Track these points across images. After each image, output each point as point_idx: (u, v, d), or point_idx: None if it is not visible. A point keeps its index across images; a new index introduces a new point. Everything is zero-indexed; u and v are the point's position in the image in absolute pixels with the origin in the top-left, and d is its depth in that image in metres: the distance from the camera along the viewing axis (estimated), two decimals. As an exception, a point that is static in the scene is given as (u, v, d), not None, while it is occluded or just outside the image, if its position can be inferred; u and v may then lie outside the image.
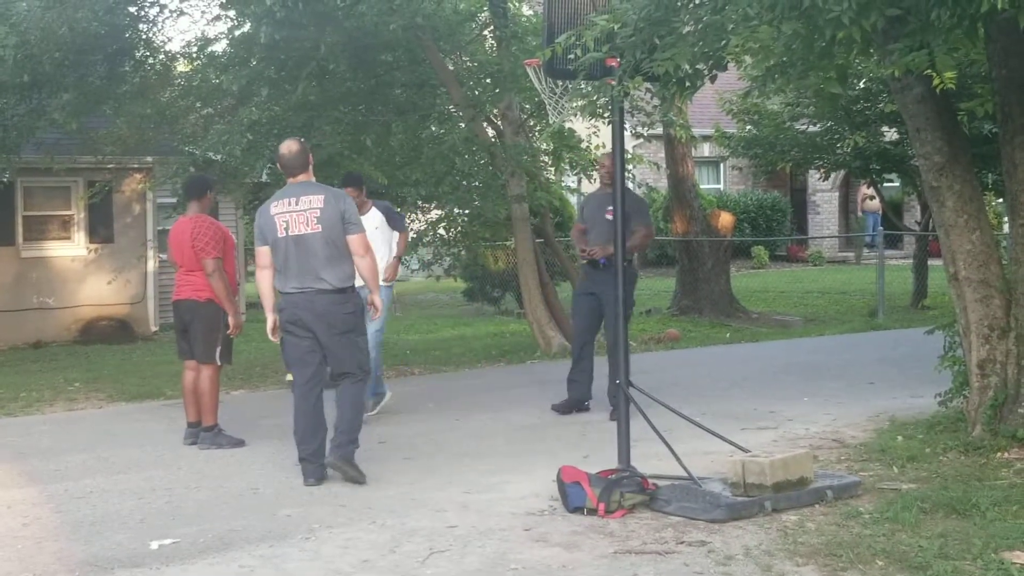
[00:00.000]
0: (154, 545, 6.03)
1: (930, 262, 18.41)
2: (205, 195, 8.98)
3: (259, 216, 7.56)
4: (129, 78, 14.26)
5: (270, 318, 7.49)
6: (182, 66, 15.89)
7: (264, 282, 7.49)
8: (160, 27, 14.62)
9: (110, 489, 7.40)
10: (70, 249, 18.32)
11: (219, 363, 8.75)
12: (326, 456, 7.38)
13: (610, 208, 8.79)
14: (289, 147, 7.57)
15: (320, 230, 7.27)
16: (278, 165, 7.77)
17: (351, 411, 7.43)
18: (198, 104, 14.99)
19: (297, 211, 7.31)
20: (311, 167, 7.58)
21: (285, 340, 7.49)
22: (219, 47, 14.15)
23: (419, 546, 5.90)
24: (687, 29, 6.69)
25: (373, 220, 9.40)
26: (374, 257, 7.62)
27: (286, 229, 7.31)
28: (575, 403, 9.63)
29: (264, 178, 14.74)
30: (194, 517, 6.61)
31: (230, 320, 8.66)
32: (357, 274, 7.47)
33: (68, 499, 7.17)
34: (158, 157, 17.01)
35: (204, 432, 8.70)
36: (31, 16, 11.99)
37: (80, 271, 18.31)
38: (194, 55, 14.50)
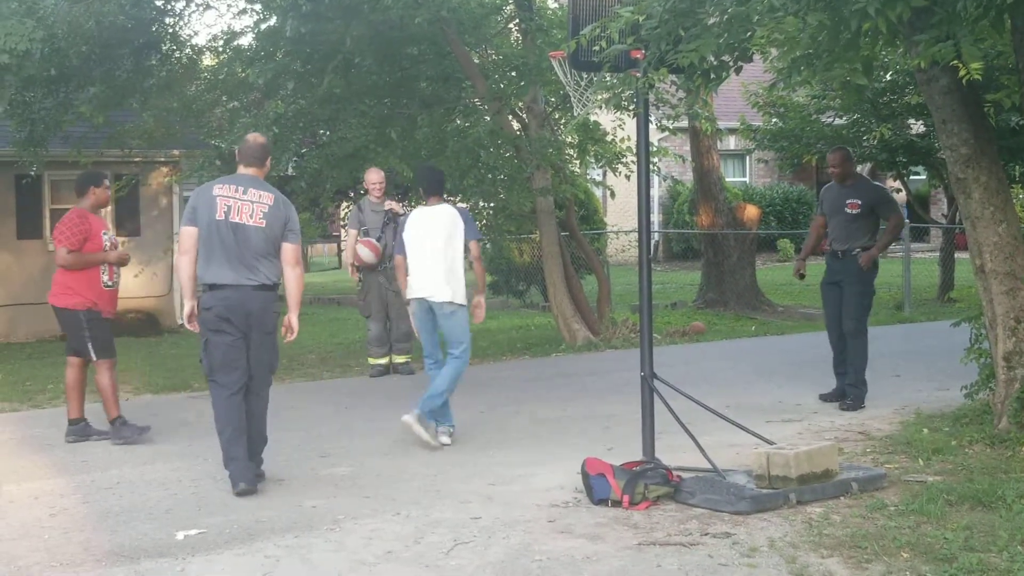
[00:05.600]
0: (180, 535, 6.07)
1: (957, 255, 18.32)
2: (84, 192, 8.93)
3: (197, 195, 7.22)
4: (156, 72, 14.34)
5: (188, 304, 7.13)
6: (208, 60, 16.00)
7: (188, 268, 7.08)
8: (186, 21, 14.76)
9: (136, 480, 7.45)
10: (97, 242, 18.39)
11: (95, 358, 8.73)
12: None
13: (850, 201, 9.46)
14: (256, 138, 7.45)
15: (263, 225, 7.03)
16: (237, 152, 7.49)
17: (261, 426, 7.26)
18: (224, 97, 15.07)
19: (243, 200, 7.05)
20: (266, 168, 7.35)
21: (213, 341, 7.05)
22: (245, 41, 14.24)
23: (443, 537, 5.91)
24: (712, 20, 6.67)
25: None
26: (303, 271, 7.35)
27: (226, 213, 7.01)
28: (843, 393, 9.53)
29: (290, 171, 14.80)
30: (220, 508, 6.65)
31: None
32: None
33: (95, 490, 7.22)
34: (184, 151, 17.10)
35: (110, 426, 8.77)
36: (58, 10, 12.08)
37: (107, 264, 18.39)
38: (220, 49, 14.59)
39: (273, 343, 7.23)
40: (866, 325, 9.57)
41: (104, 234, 8.90)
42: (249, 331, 7.07)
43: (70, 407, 8.94)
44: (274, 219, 7.10)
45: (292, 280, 7.19)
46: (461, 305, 8.25)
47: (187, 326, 7.23)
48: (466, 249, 8.40)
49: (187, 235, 7.11)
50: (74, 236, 8.70)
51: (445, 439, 8.35)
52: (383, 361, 12.11)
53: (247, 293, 7.03)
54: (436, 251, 8.18)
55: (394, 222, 11.80)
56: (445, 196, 13.89)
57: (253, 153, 7.31)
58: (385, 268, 11.78)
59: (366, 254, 11.72)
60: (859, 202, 9.46)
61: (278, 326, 7.27)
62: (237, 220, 7.03)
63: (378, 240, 11.78)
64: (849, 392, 9.40)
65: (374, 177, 12.01)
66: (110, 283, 8.87)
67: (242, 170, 7.31)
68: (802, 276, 10.08)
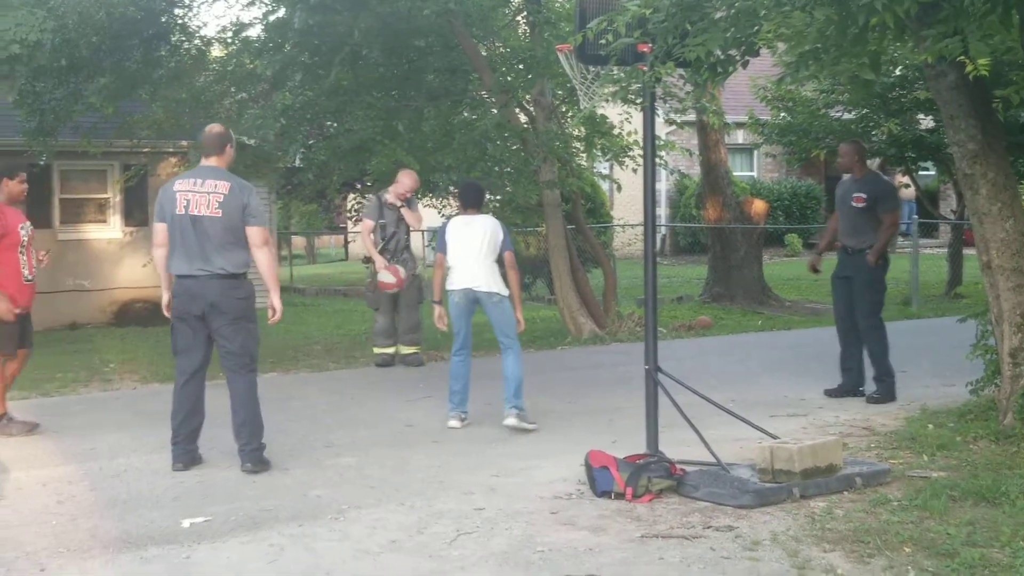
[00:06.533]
0: (186, 523, 6.11)
1: (966, 251, 18.30)
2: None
3: (162, 192, 7.51)
4: (165, 63, 14.36)
5: (166, 296, 7.53)
6: (217, 51, 15.98)
7: (161, 260, 7.47)
8: (195, 12, 14.84)
9: (143, 468, 7.50)
10: (106, 232, 18.50)
11: None
12: (242, 464, 7.34)
13: (856, 195, 9.56)
14: (211, 128, 7.66)
15: (220, 215, 7.23)
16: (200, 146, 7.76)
17: (252, 408, 7.40)
18: (232, 89, 15.08)
19: (201, 192, 7.26)
20: (227, 156, 7.52)
21: (175, 327, 7.45)
22: (254, 32, 14.25)
23: (447, 528, 5.94)
24: (719, 15, 6.68)
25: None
26: (272, 250, 7.54)
27: (186, 207, 7.25)
28: (850, 389, 9.61)
29: (297, 162, 14.81)
30: (226, 496, 6.69)
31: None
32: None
33: (102, 477, 7.27)
34: (193, 141, 17.07)
35: None
36: (69, 1, 12.10)
37: (115, 254, 18.48)
38: (229, 40, 14.59)
39: (244, 329, 7.37)
40: (880, 318, 9.62)
41: (21, 228, 8.77)
42: (210, 319, 7.32)
43: None
44: (230, 207, 7.27)
45: (262, 262, 7.38)
46: (505, 296, 8.71)
47: (166, 314, 7.60)
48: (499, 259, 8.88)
49: (158, 230, 7.47)
50: None
51: (455, 423, 8.66)
52: (389, 350, 12.15)
53: (203, 282, 7.27)
54: (480, 250, 8.68)
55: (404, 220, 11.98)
56: (452, 190, 13.92)
57: (210, 143, 7.53)
58: (395, 260, 11.89)
59: (388, 279, 11.75)
60: (864, 196, 9.53)
61: (249, 312, 7.42)
62: (196, 212, 7.26)
63: (392, 236, 11.87)
64: (877, 386, 9.43)
65: (410, 183, 12.03)
66: (30, 277, 8.79)
67: (204, 161, 7.53)
68: (817, 271, 10.13)
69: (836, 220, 10.01)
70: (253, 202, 7.36)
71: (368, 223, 12.09)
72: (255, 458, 7.33)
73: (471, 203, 8.96)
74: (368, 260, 12.28)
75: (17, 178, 8.84)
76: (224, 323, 7.31)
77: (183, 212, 7.27)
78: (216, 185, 7.30)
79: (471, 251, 8.67)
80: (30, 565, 5.49)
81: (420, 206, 13.43)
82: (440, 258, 8.91)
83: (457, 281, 8.72)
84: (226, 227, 7.25)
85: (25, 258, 8.77)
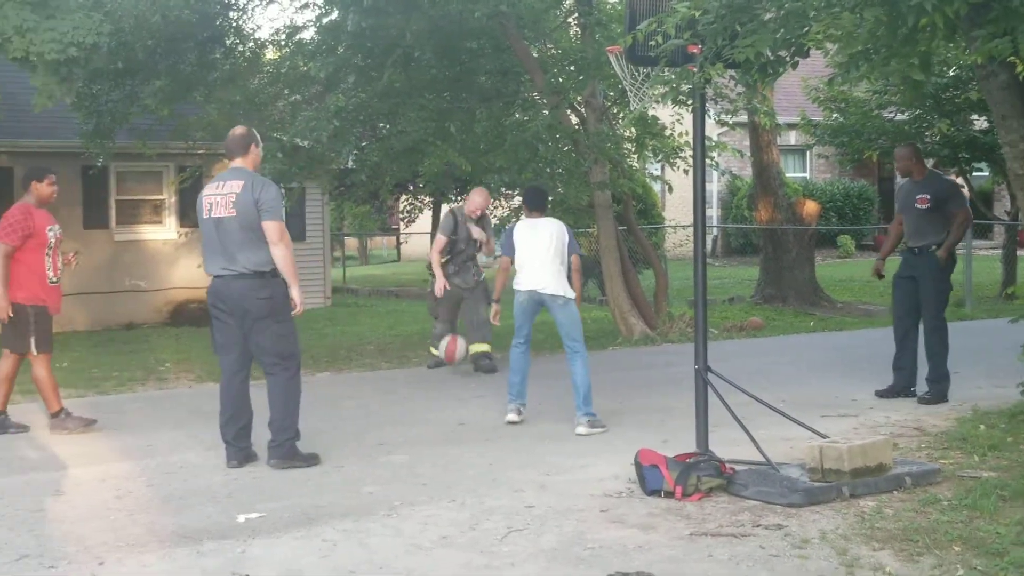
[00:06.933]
0: (241, 519, 6.21)
1: (1020, 252, 18.14)
2: (26, 186, 8.88)
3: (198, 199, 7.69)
4: (219, 65, 14.55)
5: None
6: (271, 53, 16.17)
7: None
8: (250, 15, 14.95)
9: (199, 465, 7.62)
10: (161, 233, 18.76)
11: (35, 352, 8.75)
12: (267, 460, 7.47)
13: (920, 196, 9.52)
14: (234, 130, 7.73)
15: (235, 214, 7.30)
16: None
17: (282, 406, 7.49)
18: (286, 91, 15.25)
19: (221, 194, 7.38)
20: (252, 155, 7.58)
21: (212, 324, 7.63)
22: (307, 35, 14.40)
23: (497, 524, 6.01)
24: (768, 16, 6.70)
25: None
26: (289, 246, 7.46)
27: (209, 211, 7.41)
28: (901, 389, 9.58)
29: (350, 164, 14.93)
30: (280, 493, 6.79)
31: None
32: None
33: (159, 474, 7.40)
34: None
35: (52, 419, 8.87)
36: (125, 4, 12.30)
37: (171, 254, 18.73)
38: (283, 42, 14.76)
39: (268, 329, 7.42)
40: (944, 319, 9.59)
41: (49, 230, 8.82)
42: (240, 318, 7.44)
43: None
44: (244, 205, 7.32)
45: (278, 258, 7.39)
46: (571, 298, 8.82)
47: None
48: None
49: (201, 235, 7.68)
50: (13, 233, 8.64)
51: (513, 416, 8.81)
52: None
53: (228, 282, 7.41)
54: (547, 253, 8.81)
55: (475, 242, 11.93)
56: (503, 191, 13.88)
57: (232, 144, 7.64)
58: (460, 270, 11.77)
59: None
60: (928, 196, 9.47)
61: (276, 312, 7.42)
62: (217, 215, 7.39)
63: (461, 251, 11.81)
64: (930, 387, 9.38)
65: (481, 201, 11.87)
66: (55, 279, 8.87)
67: (231, 164, 7.65)
68: (881, 276, 10.06)
69: (899, 224, 9.88)
70: (265, 197, 7.36)
71: (441, 239, 11.83)
72: (278, 454, 7.44)
73: (535, 206, 9.11)
74: (431, 267, 12.28)
75: (46, 180, 8.94)
76: (250, 323, 7.42)
77: (208, 216, 7.43)
78: (232, 185, 7.40)
79: (538, 254, 8.80)
80: (89, 558, 5.61)
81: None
82: (506, 261, 9.08)
83: (524, 283, 8.86)
84: (243, 225, 7.31)
85: (51, 260, 8.85)
